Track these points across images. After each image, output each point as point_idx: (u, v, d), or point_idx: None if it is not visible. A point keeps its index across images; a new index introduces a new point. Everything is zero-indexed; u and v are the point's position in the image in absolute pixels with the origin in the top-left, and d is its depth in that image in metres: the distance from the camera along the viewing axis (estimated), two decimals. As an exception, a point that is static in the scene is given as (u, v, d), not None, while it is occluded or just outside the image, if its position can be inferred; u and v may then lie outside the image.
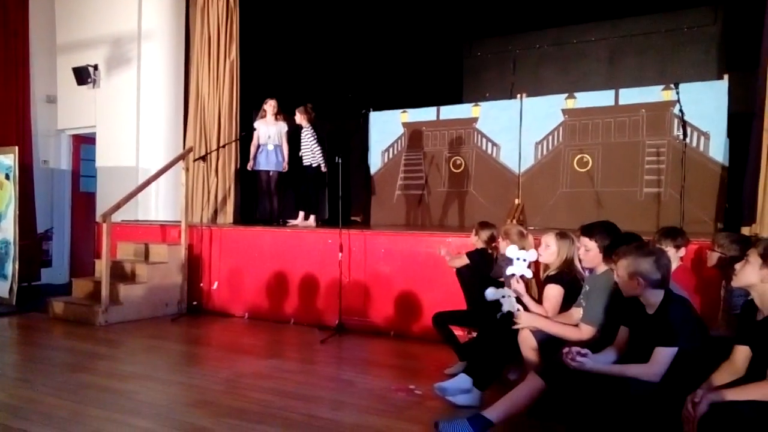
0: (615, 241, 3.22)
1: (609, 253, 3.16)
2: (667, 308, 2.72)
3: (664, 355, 2.65)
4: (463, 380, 3.63)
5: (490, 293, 3.59)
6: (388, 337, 5.59)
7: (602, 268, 3.33)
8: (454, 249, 5.03)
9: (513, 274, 3.52)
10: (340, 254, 5.74)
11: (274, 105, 7.30)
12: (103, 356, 4.92)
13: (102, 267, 6.14)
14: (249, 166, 7.44)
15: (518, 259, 3.48)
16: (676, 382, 2.60)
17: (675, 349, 2.64)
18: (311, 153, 7.05)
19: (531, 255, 3.53)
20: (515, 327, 3.42)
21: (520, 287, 3.55)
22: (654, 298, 2.76)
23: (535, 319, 3.41)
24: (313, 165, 7.06)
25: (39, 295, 7.23)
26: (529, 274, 3.54)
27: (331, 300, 5.88)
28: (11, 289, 6.85)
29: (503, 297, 3.54)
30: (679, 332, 2.65)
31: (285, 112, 7.44)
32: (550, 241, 3.72)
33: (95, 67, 8.43)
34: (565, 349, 2.79)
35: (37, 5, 8.80)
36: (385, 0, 8.73)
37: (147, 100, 8.21)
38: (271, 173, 7.34)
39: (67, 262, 9.11)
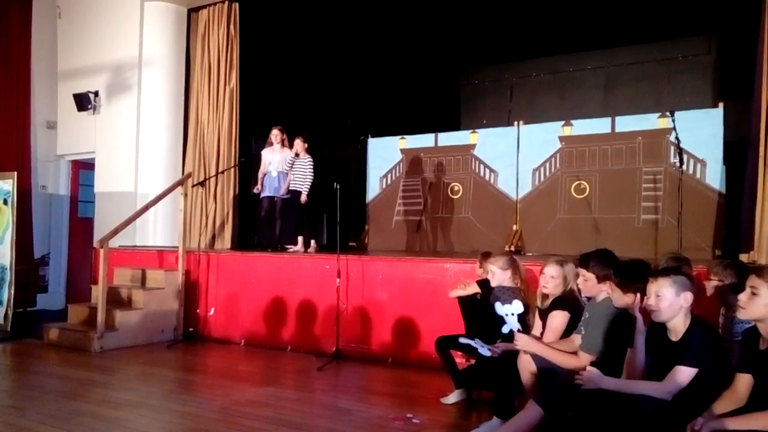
0: (620, 268, 3.18)
1: (623, 280, 3.11)
2: (694, 331, 2.70)
3: (681, 374, 2.61)
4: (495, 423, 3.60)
5: (463, 340, 3.58)
6: (385, 365, 5.53)
7: (602, 296, 3.31)
8: (464, 279, 4.96)
9: (511, 330, 3.49)
10: (338, 280, 5.72)
11: (276, 133, 7.33)
12: (97, 383, 4.86)
13: (98, 293, 6.10)
14: (255, 189, 7.40)
15: (506, 315, 3.47)
16: (692, 405, 2.55)
17: (694, 370, 2.60)
18: (302, 180, 7.09)
19: (517, 307, 3.51)
20: (516, 348, 3.40)
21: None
22: (687, 318, 2.73)
23: (535, 345, 3.39)
24: (300, 190, 7.08)
25: (34, 321, 7.16)
26: (519, 326, 3.51)
27: (329, 327, 5.83)
28: (6, 314, 6.78)
29: (481, 347, 3.53)
30: (702, 354, 2.62)
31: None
32: (552, 271, 3.71)
33: (96, 94, 8.49)
34: (576, 377, 2.78)
35: (39, 31, 8.90)
36: (384, 29, 8.87)
37: (147, 127, 8.26)
38: (275, 199, 7.31)
39: (63, 287, 9.06)
